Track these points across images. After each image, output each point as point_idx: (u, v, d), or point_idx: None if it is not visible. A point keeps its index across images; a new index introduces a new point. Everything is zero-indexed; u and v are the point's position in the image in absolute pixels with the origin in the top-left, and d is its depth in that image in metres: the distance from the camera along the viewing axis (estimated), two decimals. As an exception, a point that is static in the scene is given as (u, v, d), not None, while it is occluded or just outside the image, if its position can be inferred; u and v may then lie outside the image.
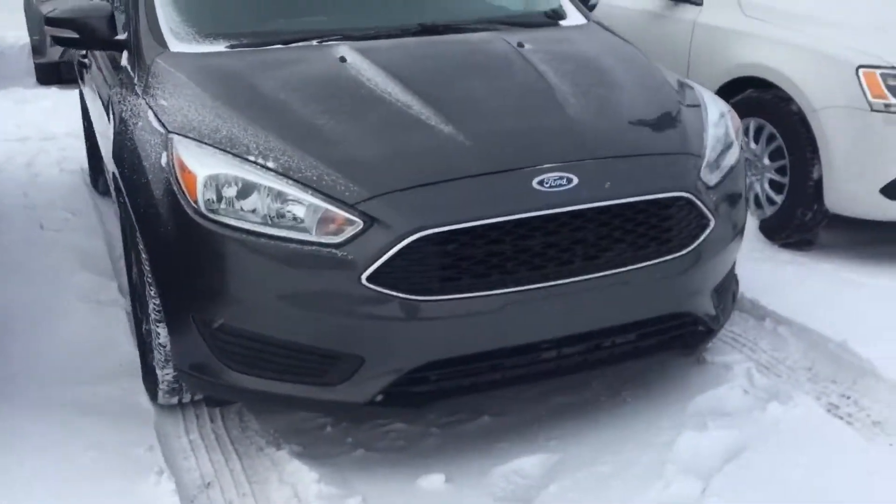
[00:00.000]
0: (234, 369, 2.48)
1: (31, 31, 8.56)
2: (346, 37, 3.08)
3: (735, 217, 2.82)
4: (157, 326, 2.62)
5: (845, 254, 3.99)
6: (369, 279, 2.29)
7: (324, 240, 2.32)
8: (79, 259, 4.09)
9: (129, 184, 2.66)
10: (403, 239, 2.27)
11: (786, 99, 3.99)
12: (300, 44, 3.05)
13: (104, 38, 3.19)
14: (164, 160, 2.52)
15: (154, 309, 2.61)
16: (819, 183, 3.91)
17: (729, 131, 2.94)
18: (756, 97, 4.15)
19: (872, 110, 3.70)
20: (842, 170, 3.82)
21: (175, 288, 2.52)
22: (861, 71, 3.73)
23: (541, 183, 2.40)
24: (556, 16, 3.54)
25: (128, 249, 3.02)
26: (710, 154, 2.74)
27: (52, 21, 3.24)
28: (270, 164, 2.40)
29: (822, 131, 3.84)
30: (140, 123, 2.72)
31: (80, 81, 4.93)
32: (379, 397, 2.40)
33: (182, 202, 2.42)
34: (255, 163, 2.41)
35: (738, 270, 3.10)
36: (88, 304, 3.63)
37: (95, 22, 3.17)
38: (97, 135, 4.04)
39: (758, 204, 4.24)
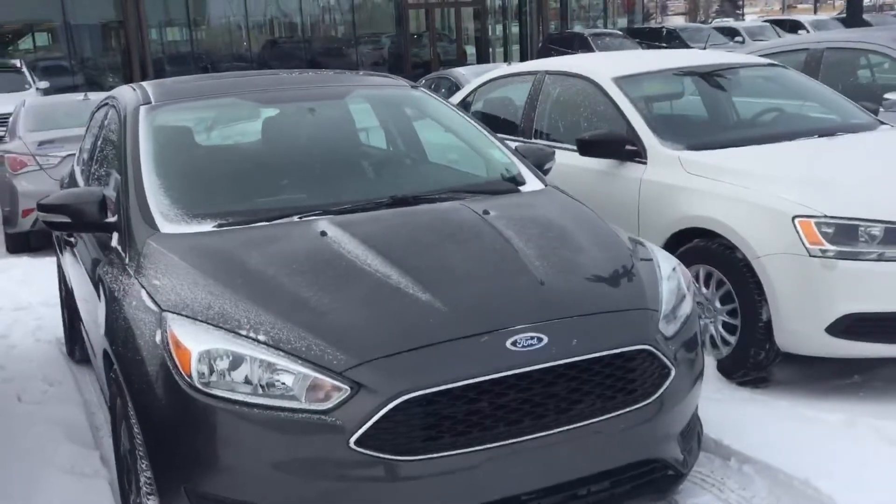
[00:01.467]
0: None
1: (2, 202, 8.77)
2: (325, 211, 3.32)
3: (693, 363, 3.03)
4: (148, 499, 2.70)
5: (800, 389, 4.19)
6: (357, 443, 2.43)
7: (313, 406, 2.47)
8: (60, 431, 4.14)
9: (123, 360, 2.81)
10: (389, 402, 2.43)
11: (730, 247, 4.29)
12: (283, 220, 3.28)
13: (95, 222, 3.39)
14: (158, 337, 2.68)
15: (146, 482, 2.70)
16: (769, 324, 4.15)
17: (681, 284, 3.19)
18: (703, 246, 4.45)
19: (811, 256, 4.00)
20: (788, 311, 4.08)
21: (167, 459, 2.63)
22: (797, 220, 4.05)
23: (514, 343, 2.60)
24: (515, 182, 3.83)
25: (115, 422, 3.12)
26: (665, 307, 2.97)
27: (45, 207, 3.45)
28: (261, 337, 2.58)
29: (767, 276, 4.12)
30: (134, 303, 2.89)
31: (58, 252, 5.10)
32: (371, 563, 2.49)
33: (176, 377, 2.57)
34: (246, 336, 2.58)
35: (703, 412, 3.28)
36: (71, 477, 3.68)
37: (87, 207, 3.38)
38: (79, 305, 4.18)
39: (714, 345, 4.47)
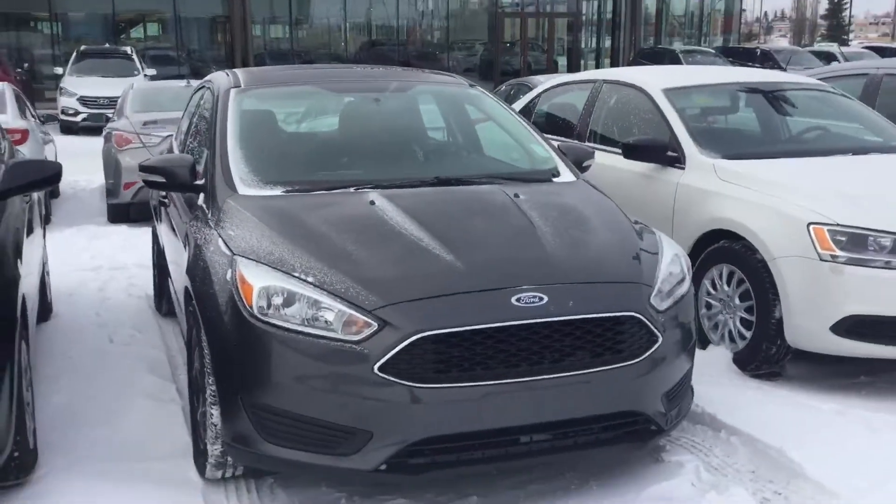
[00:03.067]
0: (270, 442, 3.11)
1: (107, 175, 9.60)
2: (376, 186, 3.86)
3: (684, 336, 3.46)
4: (212, 408, 3.28)
5: (806, 383, 4.53)
6: (380, 369, 2.95)
7: (347, 337, 3.01)
8: (143, 366, 4.79)
9: (199, 294, 3.40)
10: (407, 338, 2.95)
11: (751, 249, 4.67)
12: (340, 190, 3.84)
13: (186, 183, 4.01)
14: (228, 275, 3.25)
15: (210, 394, 3.28)
16: (780, 321, 4.51)
17: (683, 269, 3.62)
18: (728, 247, 4.83)
19: (821, 260, 4.36)
20: (797, 310, 4.44)
21: (228, 375, 3.20)
22: (811, 227, 4.42)
23: (518, 300, 3.09)
24: (550, 173, 4.31)
25: (190, 349, 3.72)
26: (660, 285, 3.41)
27: (144, 168, 4.08)
28: (310, 279, 3.13)
29: (781, 277, 4.49)
30: (212, 248, 3.48)
31: (154, 219, 5.79)
32: (383, 466, 3.01)
33: (240, 307, 3.13)
34: (298, 278, 3.14)
35: (707, 393, 3.69)
36: (151, 401, 4.31)
37: (180, 170, 4.00)
38: (169, 262, 4.82)
39: (731, 339, 4.85)
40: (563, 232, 3.53)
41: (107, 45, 22.69)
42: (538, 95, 7.11)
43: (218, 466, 3.40)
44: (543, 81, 13.29)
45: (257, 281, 3.15)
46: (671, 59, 24.50)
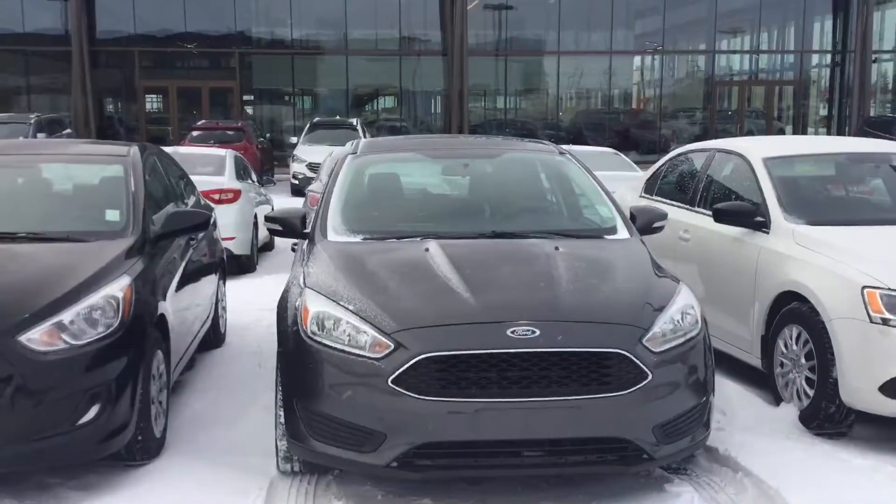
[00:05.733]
0: (316, 439, 3.85)
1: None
2: (440, 236, 4.56)
3: (684, 378, 3.84)
4: (279, 411, 4.07)
5: (865, 443, 4.63)
6: (393, 381, 3.62)
7: (372, 355, 3.71)
8: (272, 386, 5.71)
9: (280, 317, 4.24)
10: (414, 357, 3.61)
11: (814, 311, 4.87)
12: (408, 239, 4.57)
13: (294, 229, 4.90)
14: (298, 302, 4.07)
15: (279, 399, 4.08)
16: (836, 381, 4.68)
17: (693, 319, 4.01)
18: (796, 308, 5.05)
19: (871, 322, 4.52)
20: (850, 370, 4.61)
21: (288, 383, 3.99)
22: (865, 290, 4.59)
23: (512, 332, 3.67)
24: (607, 231, 4.82)
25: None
26: (658, 329, 3.83)
27: (269, 218, 5.04)
28: (350, 307, 3.87)
29: (836, 337, 4.68)
30: (296, 282, 4.32)
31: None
32: (394, 463, 3.66)
33: (299, 328, 3.93)
34: (343, 306, 3.89)
35: (753, 443, 4.19)
36: (264, 412, 5.18)
37: (293, 220, 4.91)
38: None
39: (798, 397, 5.03)
40: (579, 280, 4.05)
41: (337, 117, 25.04)
42: (665, 162, 7.51)
43: (286, 460, 4.18)
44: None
45: (313, 307, 3.93)
46: (899, 127, 23.27)
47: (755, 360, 5.49)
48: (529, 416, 3.61)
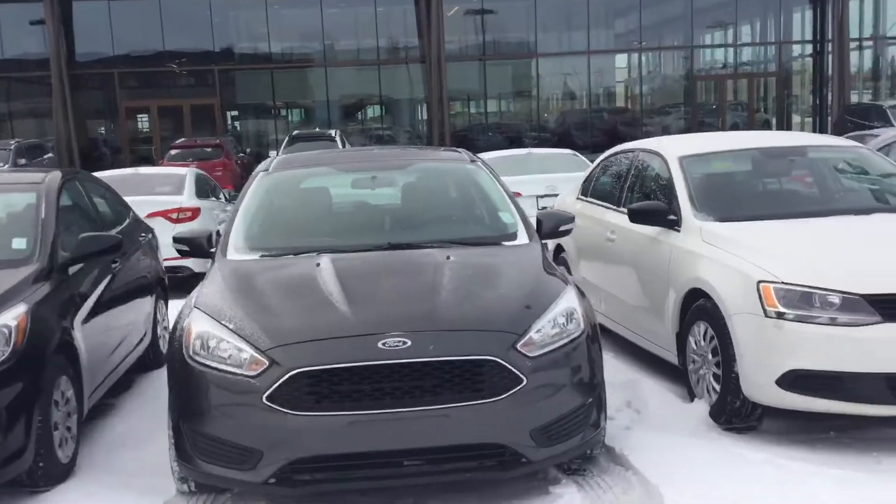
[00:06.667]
0: (201, 459, 3.89)
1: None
2: (336, 250, 4.60)
3: (562, 380, 3.87)
4: (170, 430, 4.11)
5: (772, 437, 4.65)
6: (268, 398, 3.66)
7: (248, 373, 3.75)
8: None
9: (171, 339, 4.27)
10: (287, 373, 3.65)
11: (717, 306, 4.90)
12: (305, 255, 4.61)
13: (203, 250, 4.94)
14: (185, 323, 4.11)
15: (169, 420, 4.11)
16: (738, 375, 4.71)
17: (575, 322, 4.04)
18: (703, 304, 5.08)
19: (766, 316, 4.55)
20: (749, 365, 4.64)
21: (174, 405, 4.03)
22: (761, 285, 4.62)
23: (384, 344, 3.70)
24: (506, 238, 4.85)
25: None
26: (534, 334, 3.86)
27: (175, 239, 5.08)
28: (231, 326, 3.91)
29: (735, 332, 4.71)
30: (188, 303, 4.36)
31: None
32: (272, 480, 3.70)
33: (184, 349, 3.97)
34: (223, 325, 3.93)
35: (653, 441, 4.23)
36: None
37: (199, 240, 4.96)
38: None
39: (709, 392, 5.06)
40: (461, 288, 4.10)
41: (316, 129, 25.13)
42: (598, 164, 7.55)
43: (182, 481, 4.22)
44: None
45: (196, 327, 3.98)
46: (878, 114, 23.26)
47: (673, 356, 5.52)
48: (403, 427, 3.64)
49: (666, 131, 28.50)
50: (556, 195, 9.00)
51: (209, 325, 3.96)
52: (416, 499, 4.02)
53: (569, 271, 7.45)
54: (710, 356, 5.03)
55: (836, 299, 4.45)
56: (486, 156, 12.64)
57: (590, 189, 7.43)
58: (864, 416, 4.47)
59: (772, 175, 6.05)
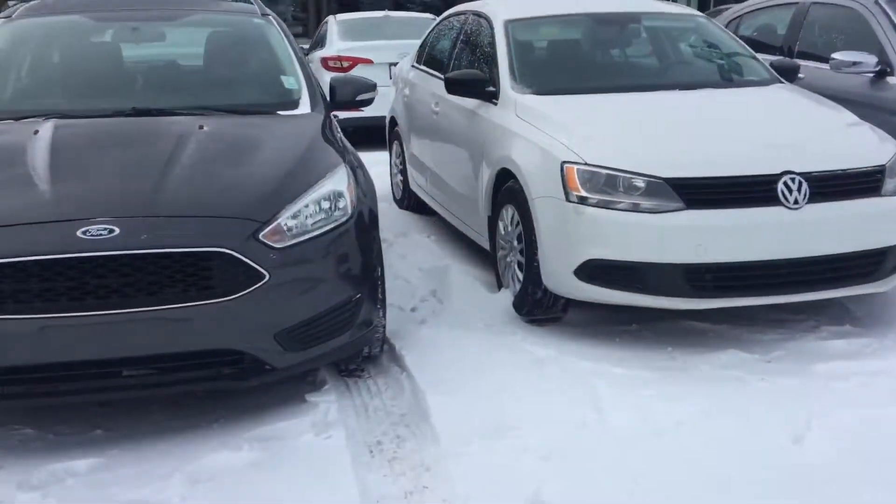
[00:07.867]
0: None
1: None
2: (67, 115, 3.88)
3: (319, 275, 3.35)
4: None
5: (572, 331, 4.29)
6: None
7: None
8: None
9: None
10: None
11: (523, 189, 4.43)
12: (29, 120, 3.87)
13: None
14: None
15: None
16: (539, 264, 4.30)
17: (342, 206, 3.49)
18: (511, 186, 4.60)
19: (568, 201, 4.11)
20: (549, 253, 4.22)
21: None
22: (565, 166, 4.16)
23: (84, 232, 3.06)
24: (283, 106, 4.21)
25: None
26: (284, 222, 3.29)
27: None
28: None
29: (537, 217, 4.26)
30: None
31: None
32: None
33: None
34: None
35: (436, 337, 3.97)
36: None
37: None
38: None
39: (513, 281, 4.64)
40: (200, 165, 3.48)
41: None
42: (433, 28, 6.89)
43: None
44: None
45: None
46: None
47: (486, 242, 5.07)
48: (113, 332, 3.06)
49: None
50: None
51: None
52: (159, 409, 3.48)
53: (401, 147, 6.90)
54: (515, 243, 4.61)
55: (640, 183, 4.03)
56: (339, 17, 11.75)
57: (423, 55, 6.79)
58: (664, 309, 4.13)
59: (600, 44, 5.53)
